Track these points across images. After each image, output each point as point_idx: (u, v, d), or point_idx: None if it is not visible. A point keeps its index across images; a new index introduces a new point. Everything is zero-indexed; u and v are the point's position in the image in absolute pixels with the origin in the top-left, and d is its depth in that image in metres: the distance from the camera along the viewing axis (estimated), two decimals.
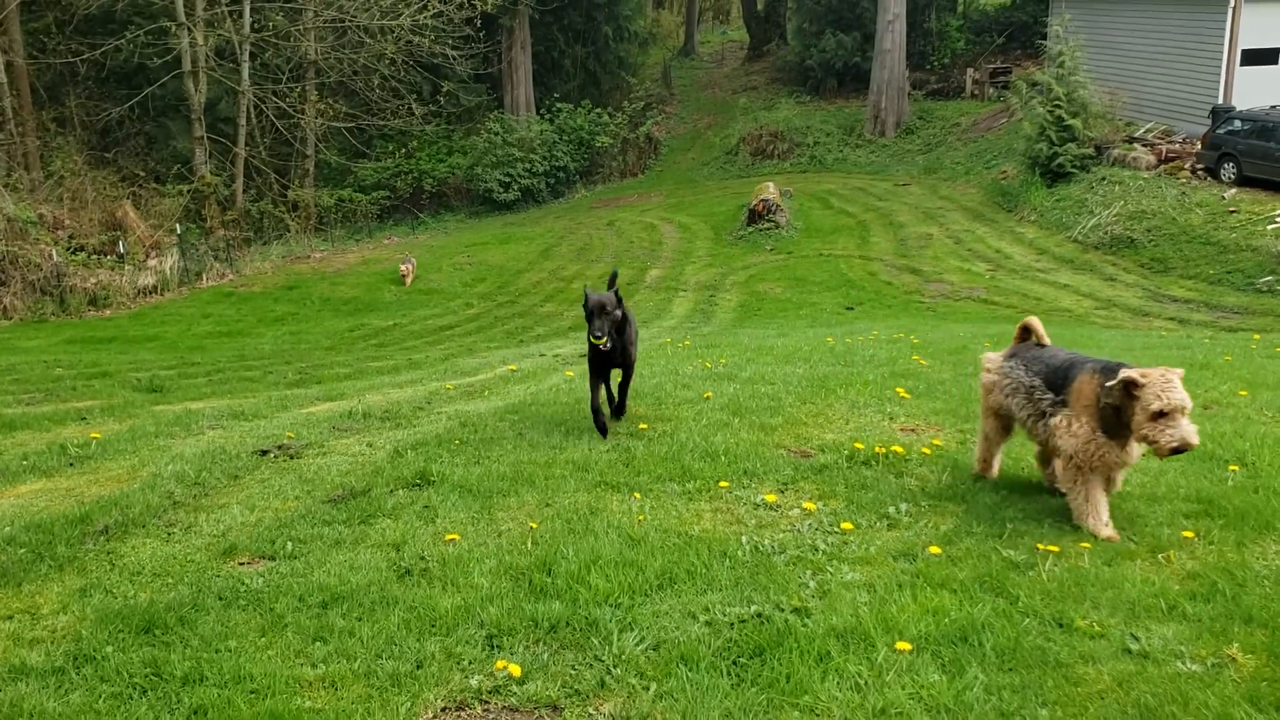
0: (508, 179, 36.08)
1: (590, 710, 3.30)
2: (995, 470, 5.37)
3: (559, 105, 38.42)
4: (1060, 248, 24.69)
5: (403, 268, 26.91)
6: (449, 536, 4.74)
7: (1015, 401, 4.94)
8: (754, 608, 3.89)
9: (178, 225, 29.32)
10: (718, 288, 24.29)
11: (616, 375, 6.71)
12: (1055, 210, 26.38)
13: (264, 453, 6.47)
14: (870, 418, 6.68)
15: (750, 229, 28.56)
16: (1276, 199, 22.96)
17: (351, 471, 5.93)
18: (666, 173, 38.81)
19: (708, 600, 3.98)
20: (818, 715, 3.23)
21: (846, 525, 4.73)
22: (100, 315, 24.80)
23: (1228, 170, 24.28)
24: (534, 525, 4.83)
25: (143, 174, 31.86)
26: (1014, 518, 4.74)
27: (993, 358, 5.27)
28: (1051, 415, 4.69)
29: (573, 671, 3.51)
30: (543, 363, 11.72)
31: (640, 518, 4.88)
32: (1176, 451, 4.22)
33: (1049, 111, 26.74)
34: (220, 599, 4.16)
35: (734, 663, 3.52)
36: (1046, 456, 5.11)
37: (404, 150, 37.31)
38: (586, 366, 6.44)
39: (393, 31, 33.38)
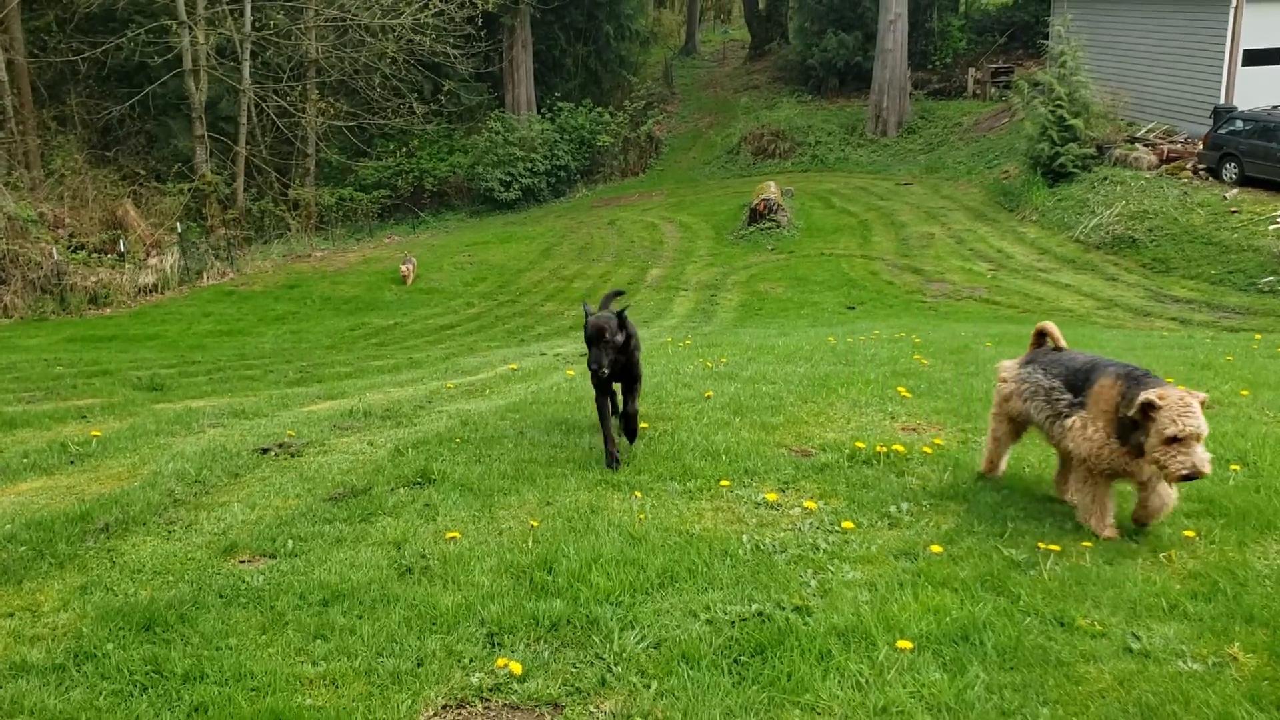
0: (509, 178, 36.07)
1: (591, 708, 3.30)
2: (1002, 469, 5.32)
3: (560, 104, 38.41)
4: (1062, 247, 24.68)
5: (403, 268, 26.88)
6: (450, 535, 4.74)
7: (1034, 405, 4.85)
8: (755, 606, 3.88)
9: (178, 224, 29.32)
10: (719, 287, 24.28)
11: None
12: (1057, 210, 26.37)
13: (265, 451, 6.47)
14: (871, 417, 6.67)
15: (751, 228, 28.55)
16: (1278, 199, 22.94)
17: (352, 470, 5.93)
18: (668, 172, 38.80)
19: (709, 599, 3.98)
20: (819, 714, 3.23)
21: (848, 524, 4.73)
22: (101, 314, 24.80)
23: (1229, 170, 24.26)
24: (535, 523, 4.83)
25: (143, 172, 31.86)
26: (1015, 517, 4.74)
27: (1008, 366, 5.18)
28: (1067, 416, 4.62)
29: (574, 669, 3.51)
30: (543, 361, 11.72)
31: (641, 516, 4.88)
32: (1187, 479, 4.13)
33: (1051, 111, 26.72)
34: (221, 597, 4.16)
35: (735, 661, 3.52)
36: (1065, 474, 4.96)
37: (405, 149, 37.31)
38: (590, 382, 6.11)
39: (394, 30, 33.37)
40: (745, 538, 4.59)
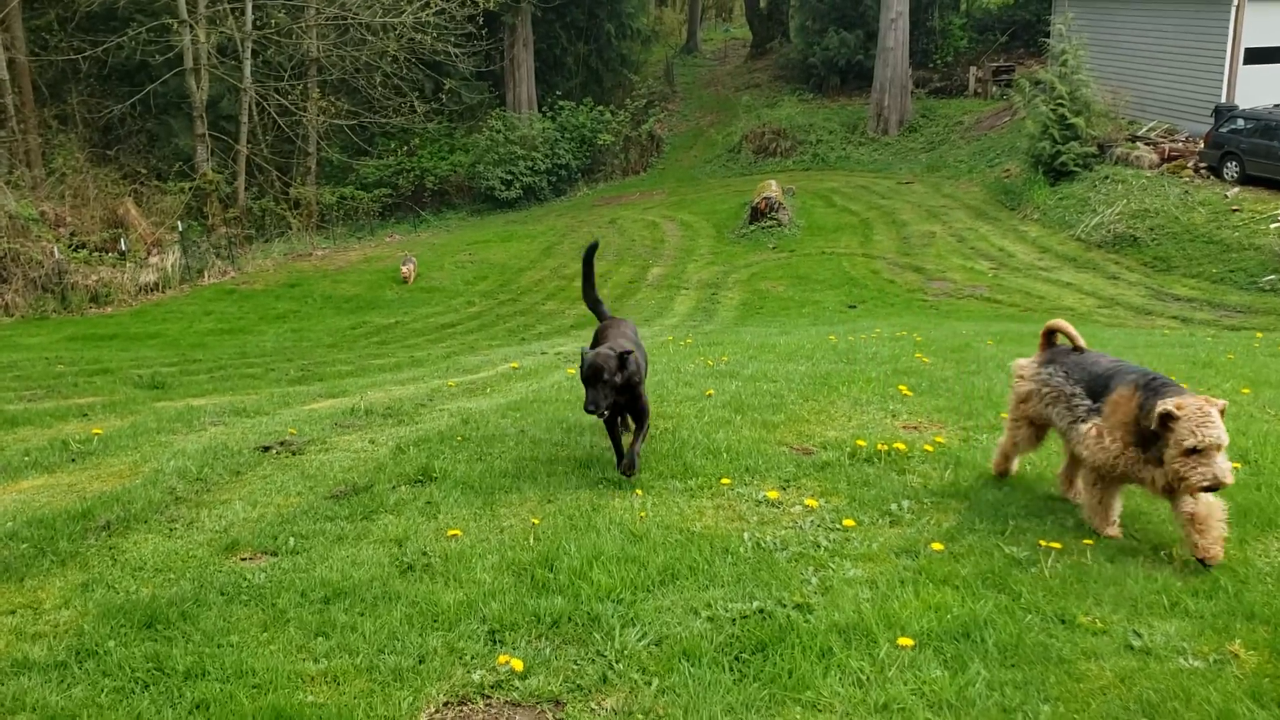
0: (510, 177, 36.06)
1: (593, 705, 3.30)
2: (1013, 471, 5.25)
3: (561, 103, 38.40)
4: (1063, 246, 24.67)
5: (404, 268, 26.83)
6: (451, 532, 4.74)
7: (1055, 411, 4.73)
8: (756, 604, 3.89)
9: (179, 223, 29.33)
10: (720, 286, 24.28)
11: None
12: (1058, 209, 26.36)
13: (266, 449, 6.47)
14: (873, 415, 6.67)
15: (753, 227, 28.54)
16: (1279, 198, 22.93)
17: (354, 468, 5.93)
18: (669, 170, 38.79)
19: (710, 596, 3.98)
20: (820, 711, 3.23)
21: (849, 522, 4.73)
22: (102, 312, 24.80)
23: (1230, 169, 24.24)
24: (536, 521, 4.83)
25: (144, 171, 31.86)
26: (1017, 514, 4.74)
27: (1025, 365, 5.03)
28: (1084, 422, 4.51)
29: (575, 666, 3.51)
30: (544, 360, 11.73)
31: (642, 514, 4.88)
32: (1208, 490, 4.03)
33: (1052, 110, 26.70)
34: (222, 594, 4.16)
35: (736, 658, 3.52)
36: (1071, 472, 4.91)
37: (406, 148, 37.30)
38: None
39: (395, 29, 33.36)
40: (746, 535, 4.59)
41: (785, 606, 3.86)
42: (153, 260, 27.28)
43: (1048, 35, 30.19)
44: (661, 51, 48.62)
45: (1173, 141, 26.91)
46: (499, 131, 36.51)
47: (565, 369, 9.86)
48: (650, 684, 3.38)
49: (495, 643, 3.70)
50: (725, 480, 5.31)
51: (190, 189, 31.30)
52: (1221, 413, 4.04)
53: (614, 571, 4.18)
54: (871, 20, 37.37)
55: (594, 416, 5.37)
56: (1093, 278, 22.40)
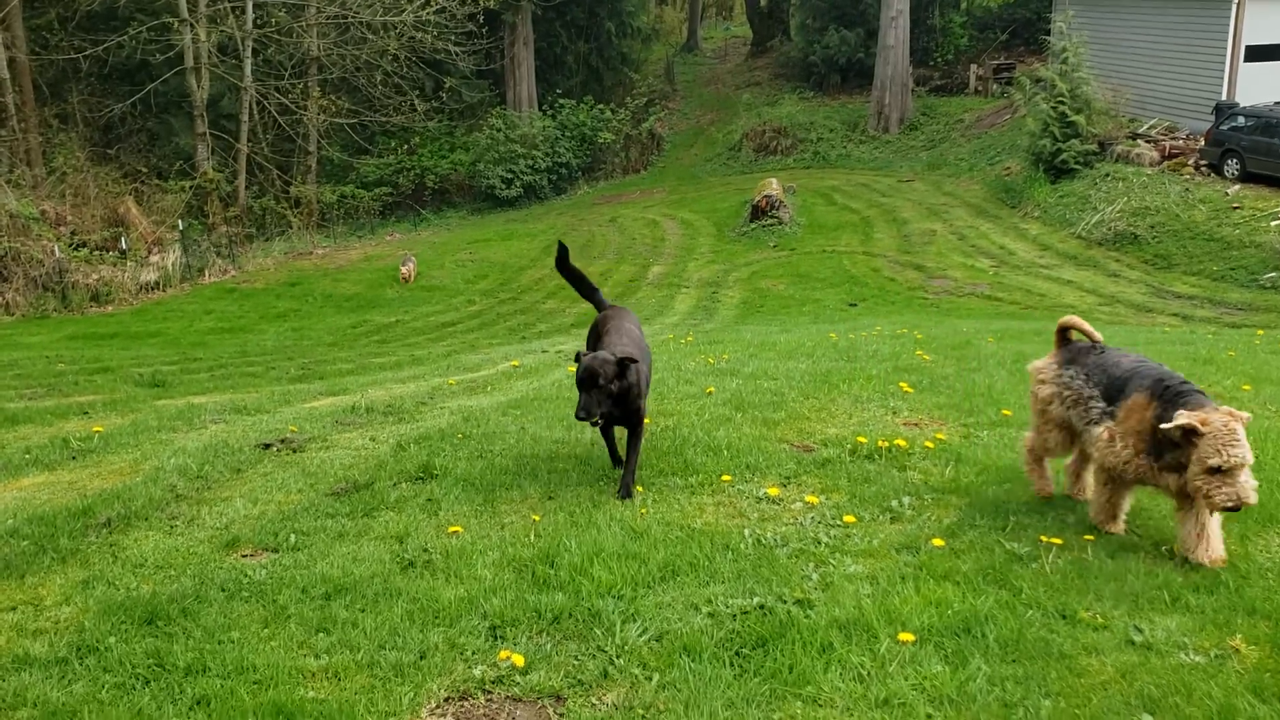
0: (510, 175, 36.06)
1: (593, 700, 3.30)
2: (1047, 476, 4.95)
3: (561, 101, 38.40)
4: (1064, 244, 24.67)
5: (403, 269, 26.76)
6: (452, 529, 4.74)
7: (1076, 414, 4.58)
8: (756, 599, 3.88)
9: (180, 221, 29.34)
10: (720, 284, 24.28)
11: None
12: (1059, 206, 26.35)
13: (267, 446, 6.47)
14: (873, 412, 6.67)
15: (753, 225, 28.54)
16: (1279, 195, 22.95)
17: (354, 465, 5.93)
18: (669, 169, 38.79)
19: (710, 592, 3.98)
20: (820, 706, 3.23)
21: (849, 518, 4.72)
22: (102, 311, 24.82)
23: (1231, 166, 24.24)
24: (537, 518, 4.83)
25: (145, 170, 31.87)
26: (1017, 511, 4.74)
27: (1045, 367, 4.84)
28: (1097, 424, 4.40)
29: (576, 662, 3.51)
30: (545, 359, 11.72)
31: (643, 511, 4.89)
32: (1230, 510, 3.93)
33: (1052, 108, 26.70)
34: (223, 591, 4.16)
35: (737, 653, 3.52)
36: (1079, 470, 4.84)
37: (406, 147, 37.30)
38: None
39: (395, 28, 33.37)
40: (747, 532, 4.59)
41: (786, 602, 3.86)
42: (153, 259, 27.29)
43: (1048, 33, 30.20)
44: (662, 50, 48.62)
45: (1173, 139, 26.91)
46: (499, 130, 36.51)
47: (566, 367, 9.87)
48: (651, 679, 3.38)
49: (496, 638, 3.69)
50: (726, 477, 5.31)
51: (191, 188, 31.32)
52: (1244, 427, 3.91)
53: (615, 568, 4.18)
54: (872, 18, 37.37)
55: (585, 423, 5.22)
56: (1093, 275, 22.39)
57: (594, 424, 5.13)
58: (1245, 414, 3.97)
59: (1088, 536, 4.39)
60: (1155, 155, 26.17)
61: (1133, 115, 28.46)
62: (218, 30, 32.13)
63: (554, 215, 33.96)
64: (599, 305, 6.06)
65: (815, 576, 4.12)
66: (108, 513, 5.11)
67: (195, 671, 3.51)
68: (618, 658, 3.52)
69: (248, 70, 32.45)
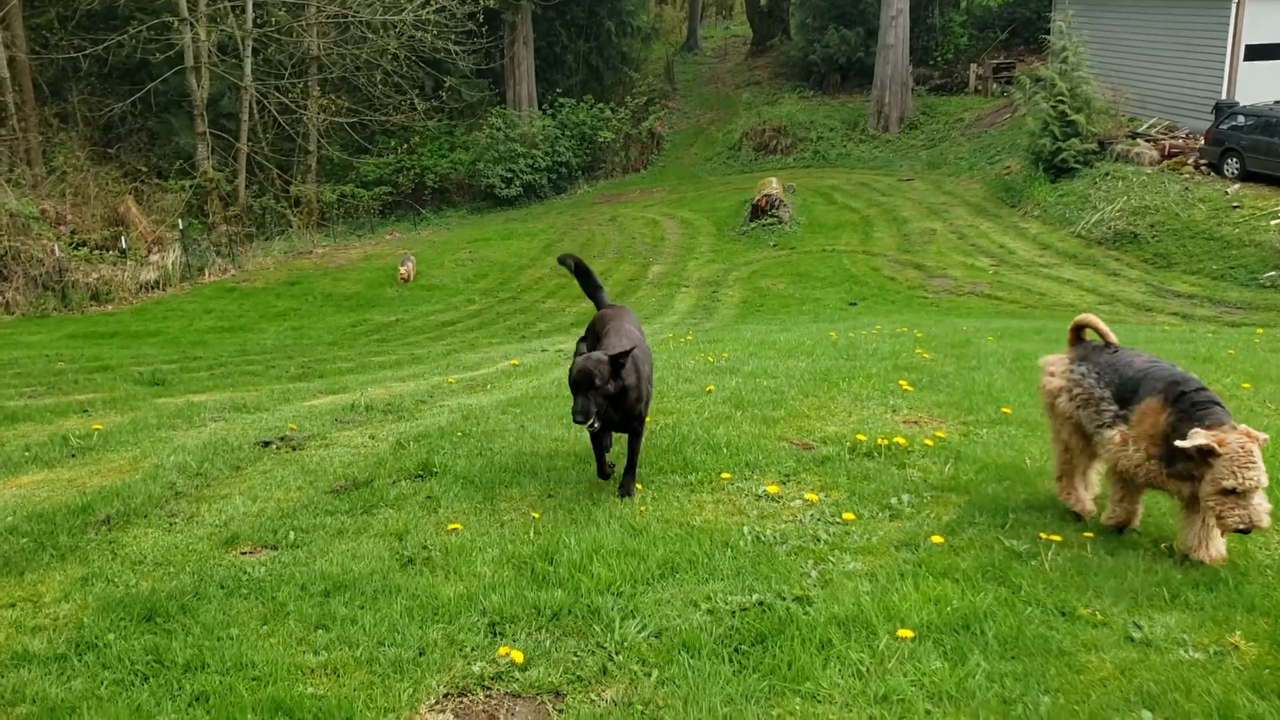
0: (510, 175, 36.05)
1: (593, 696, 3.30)
2: (1081, 492, 4.68)
3: (561, 100, 38.38)
4: (1064, 243, 24.66)
5: (401, 269, 26.67)
6: (451, 526, 4.74)
7: (1085, 414, 4.50)
8: (756, 596, 3.88)
9: (180, 221, 29.33)
10: (720, 283, 24.28)
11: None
12: (1059, 205, 26.35)
13: (266, 444, 6.47)
14: (873, 410, 6.67)
15: (753, 224, 28.53)
16: (1279, 194, 22.91)
17: (354, 463, 5.93)
18: (669, 168, 38.78)
19: (709, 589, 3.98)
20: (819, 702, 3.23)
21: (848, 516, 4.72)
22: (102, 310, 24.82)
23: (1231, 166, 24.23)
24: (536, 515, 4.83)
25: (145, 169, 31.86)
26: (1017, 508, 4.74)
27: (1055, 361, 4.78)
28: (1110, 428, 4.32)
29: (575, 658, 3.51)
30: (545, 358, 11.72)
31: (642, 508, 4.89)
32: (1241, 532, 3.87)
33: (1052, 107, 26.70)
34: (222, 588, 4.16)
35: (736, 650, 3.52)
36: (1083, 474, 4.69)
37: (406, 146, 37.29)
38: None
39: (395, 27, 33.36)
40: (746, 529, 4.59)
41: (785, 599, 3.86)
42: (153, 258, 27.29)
43: (1048, 32, 30.19)
44: (662, 49, 48.60)
45: (1173, 138, 26.90)
46: (499, 129, 36.50)
47: (566, 366, 9.86)
48: (650, 675, 3.39)
49: (495, 635, 3.70)
50: (725, 475, 5.31)
51: (191, 187, 31.31)
52: (1261, 447, 3.85)
53: (614, 565, 4.18)
54: (872, 17, 37.36)
55: (582, 427, 4.97)
56: (1093, 274, 22.39)
57: (590, 428, 4.90)
58: (1263, 435, 3.90)
59: (1087, 534, 4.39)
60: (1155, 154, 26.17)
61: (1132, 114, 28.45)
62: (218, 29, 32.13)
63: (554, 214, 33.96)
64: (599, 303, 5.96)
65: (814, 573, 4.12)
66: (107, 510, 5.11)
67: (194, 668, 3.51)
68: (617, 654, 3.52)
69: (248, 69, 32.44)
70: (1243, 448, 3.81)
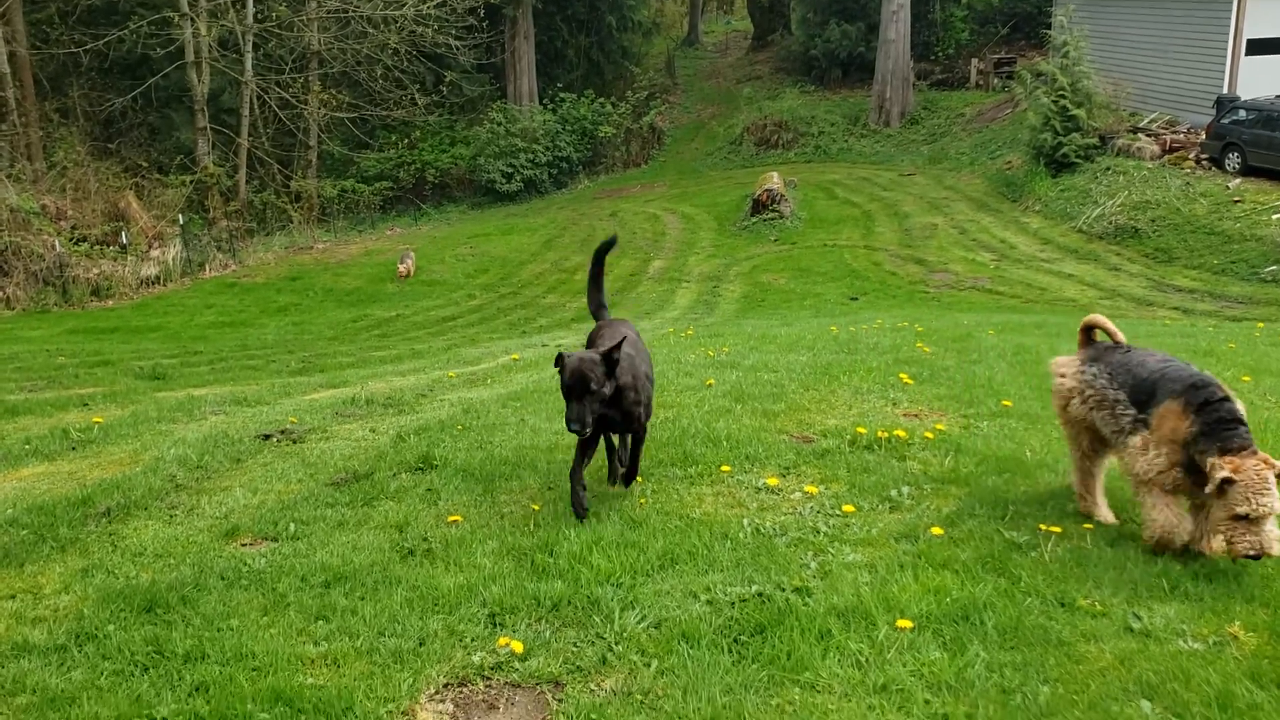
0: (510, 170, 36.02)
1: (592, 686, 3.31)
2: (1102, 504, 4.59)
3: (562, 95, 38.34)
4: (1065, 237, 24.64)
5: (401, 266, 26.52)
6: (451, 518, 4.74)
7: (1100, 416, 4.41)
8: (755, 587, 3.89)
9: (180, 216, 29.33)
10: (721, 278, 24.26)
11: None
12: (1060, 200, 26.32)
13: (267, 437, 6.48)
14: (873, 403, 6.67)
15: (754, 219, 28.51)
16: None
17: (354, 455, 5.94)
18: (670, 163, 38.75)
19: (709, 580, 3.98)
20: (819, 691, 3.23)
21: (848, 508, 4.72)
22: (103, 306, 24.82)
23: (1232, 160, 24.19)
24: (536, 508, 4.83)
25: (145, 165, 31.86)
26: (1016, 500, 4.74)
27: (1066, 362, 4.72)
28: (1131, 434, 4.22)
29: (575, 648, 3.51)
30: (545, 352, 11.72)
31: (642, 501, 4.88)
32: (1251, 559, 3.83)
33: (1053, 102, 26.67)
34: (222, 579, 4.17)
35: (735, 640, 3.53)
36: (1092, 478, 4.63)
37: (407, 141, 37.26)
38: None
39: (396, 22, 33.32)
40: (745, 521, 4.59)
41: (784, 590, 3.86)
42: (154, 253, 27.28)
43: (1049, 27, 30.12)
44: (663, 44, 48.54)
45: (1174, 133, 26.86)
46: (500, 124, 36.46)
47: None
48: (649, 665, 3.39)
49: (495, 625, 3.70)
50: (725, 468, 5.31)
51: (191, 182, 31.31)
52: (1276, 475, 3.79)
53: (613, 556, 4.18)
54: (873, 12, 37.31)
55: (571, 479, 4.69)
56: (1094, 269, 22.37)
57: (584, 435, 4.55)
58: (1278, 462, 3.83)
59: (1086, 525, 4.39)
60: (1156, 149, 26.13)
61: (1134, 109, 28.41)
62: (218, 24, 32.10)
63: (554, 209, 33.93)
64: (600, 317, 5.52)
65: (814, 565, 4.12)
66: (107, 502, 5.11)
67: (194, 658, 3.52)
68: (616, 644, 3.52)
69: (248, 64, 32.42)
70: (1258, 474, 3.78)
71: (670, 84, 44.69)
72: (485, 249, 28.92)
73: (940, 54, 39.38)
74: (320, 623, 3.76)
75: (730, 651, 3.46)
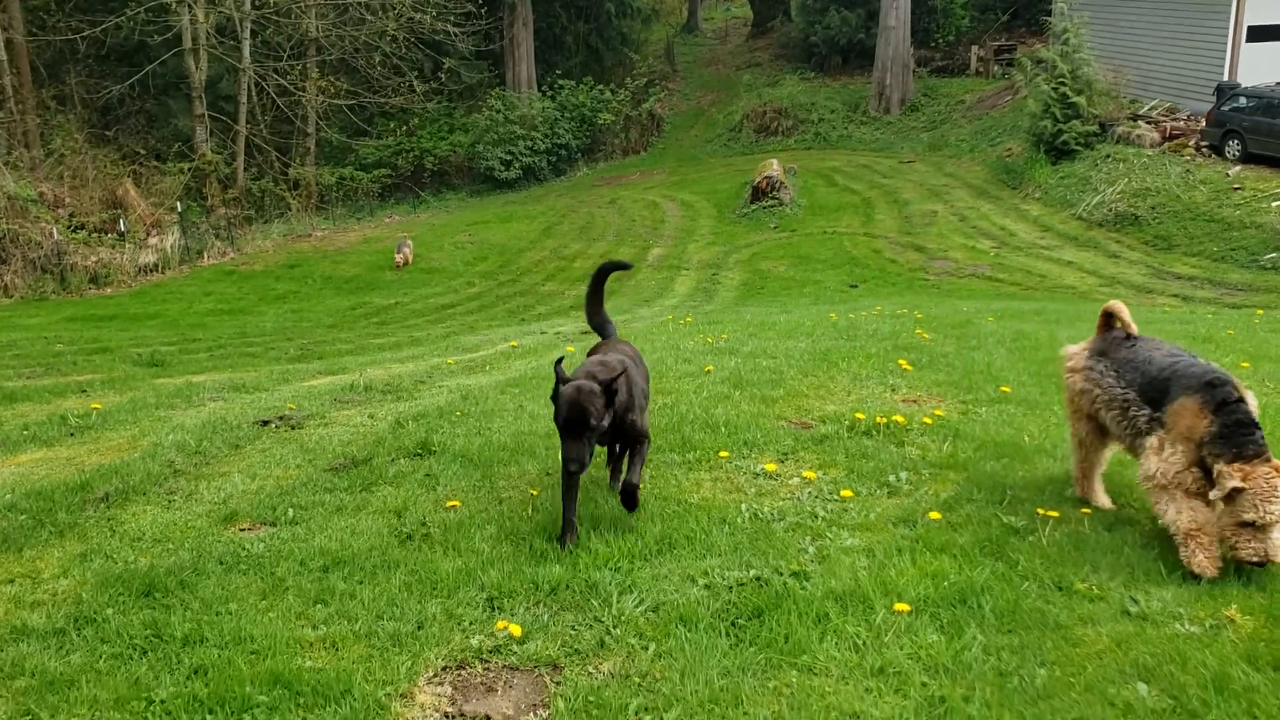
0: (509, 157, 35.95)
1: (590, 669, 3.31)
2: (1099, 490, 4.58)
3: (561, 82, 38.23)
4: (1064, 225, 24.61)
5: (398, 256, 26.32)
6: (450, 503, 4.75)
7: (1110, 416, 4.34)
8: (753, 572, 3.89)
9: (179, 203, 29.28)
10: (720, 266, 24.24)
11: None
12: (1060, 187, 26.28)
13: (265, 423, 6.48)
14: (872, 389, 6.67)
15: (754, 206, 28.46)
16: None
17: (353, 441, 5.94)
18: (669, 150, 38.67)
19: (707, 564, 3.98)
20: (816, 674, 3.24)
21: (846, 493, 4.73)
22: (101, 293, 24.80)
23: (1232, 147, 24.15)
24: (535, 493, 4.84)
25: (143, 152, 31.78)
26: (1015, 485, 4.74)
27: (1076, 354, 4.65)
28: (1147, 434, 4.12)
29: (573, 632, 3.52)
30: (544, 339, 11.73)
31: (640, 486, 4.88)
32: (1255, 566, 3.78)
33: (1053, 89, 26.60)
34: (221, 564, 4.17)
35: (733, 624, 3.53)
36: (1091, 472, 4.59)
37: (405, 128, 37.18)
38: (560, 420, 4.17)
39: (394, 8, 33.21)
40: (744, 506, 4.59)
41: (782, 574, 3.86)
42: (152, 241, 27.25)
43: (1049, 14, 30.07)
44: (662, 30, 48.37)
45: (1174, 120, 26.80)
46: (498, 111, 36.37)
47: (565, 348, 9.86)
48: (647, 648, 3.39)
49: (494, 609, 3.71)
50: (723, 454, 5.31)
51: (189, 170, 31.24)
52: None
53: (611, 541, 4.18)
54: None
55: (563, 503, 4.24)
56: (1094, 256, 22.35)
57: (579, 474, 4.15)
58: None
59: (1084, 510, 4.39)
60: (1156, 136, 26.08)
61: (1134, 96, 28.34)
62: (216, 11, 31.99)
63: (553, 197, 33.88)
64: (604, 336, 5.13)
65: (812, 549, 4.12)
66: (106, 488, 5.12)
67: (193, 642, 3.52)
68: (614, 628, 3.53)
69: (246, 51, 32.32)
70: (1268, 482, 3.74)
71: (669, 71, 44.56)
72: (484, 236, 28.89)
73: (940, 41, 39.26)
74: (319, 606, 3.77)
75: (728, 635, 3.46)
